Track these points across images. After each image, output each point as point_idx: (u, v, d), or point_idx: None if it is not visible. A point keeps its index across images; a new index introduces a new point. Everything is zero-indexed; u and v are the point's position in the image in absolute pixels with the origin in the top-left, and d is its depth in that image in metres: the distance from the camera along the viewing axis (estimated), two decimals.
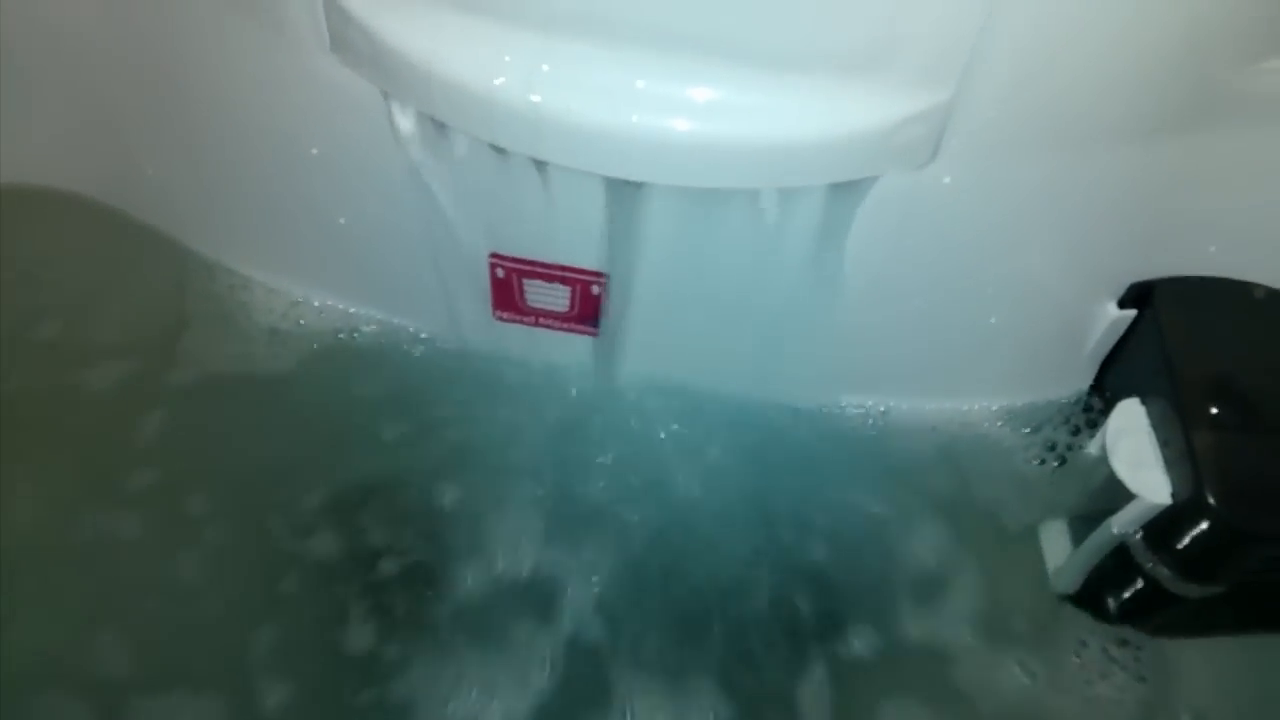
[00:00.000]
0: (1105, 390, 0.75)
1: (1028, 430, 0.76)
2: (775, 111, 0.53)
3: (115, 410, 0.77)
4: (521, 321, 0.72)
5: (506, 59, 0.54)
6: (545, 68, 0.53)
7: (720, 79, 0.53)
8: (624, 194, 0.59)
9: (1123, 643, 0.74)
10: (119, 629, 0.68)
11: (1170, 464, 0.68)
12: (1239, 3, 0.54)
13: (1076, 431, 0.77)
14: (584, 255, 0.65)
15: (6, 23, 0.72)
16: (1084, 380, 0.76)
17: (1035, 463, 0.76)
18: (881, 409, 0.76)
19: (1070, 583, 0.75)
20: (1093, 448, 0.72)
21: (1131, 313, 0.70)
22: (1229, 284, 0.70)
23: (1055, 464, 0.76)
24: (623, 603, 0.71)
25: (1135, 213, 0.64)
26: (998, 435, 0.76)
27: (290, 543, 0.73)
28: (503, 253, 0.67)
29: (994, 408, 0.76)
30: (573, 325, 0.71)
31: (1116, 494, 0.70)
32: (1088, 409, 0.77)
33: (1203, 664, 0.74)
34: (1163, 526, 0.69)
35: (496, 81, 0.54)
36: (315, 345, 0.79)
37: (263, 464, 0.76)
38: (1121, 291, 0.70)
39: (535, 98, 0.53)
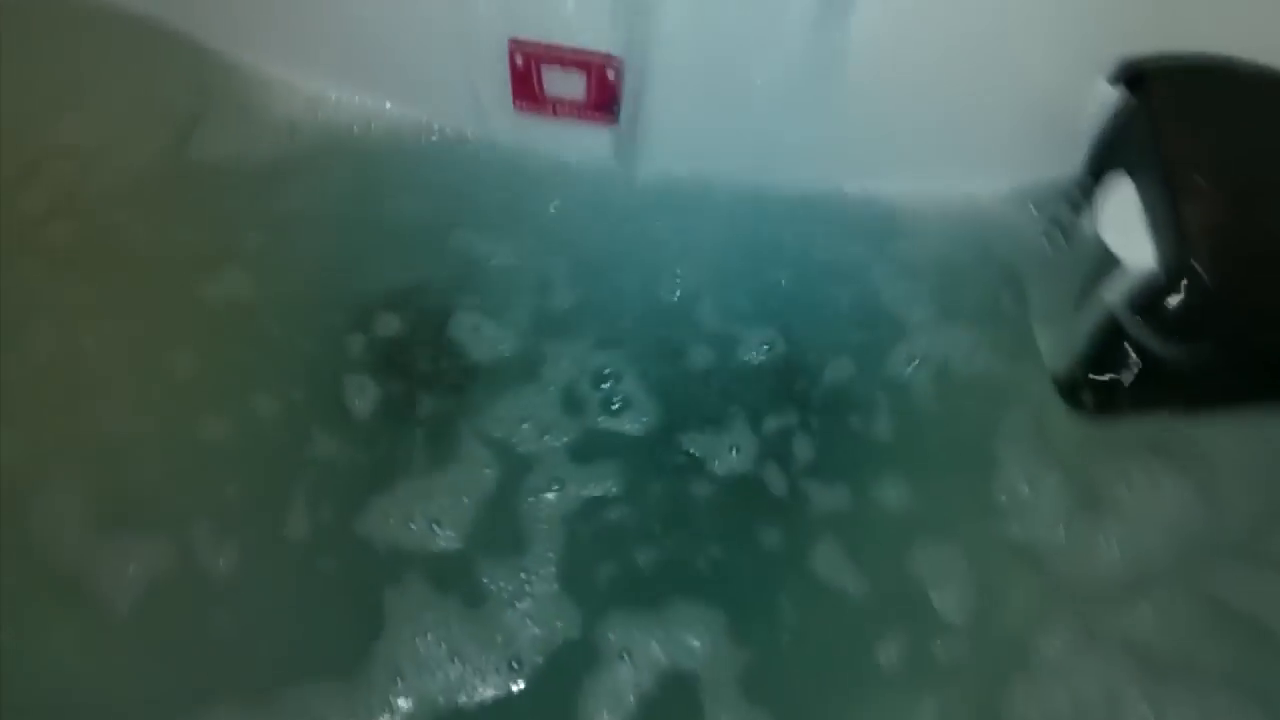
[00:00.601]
0: (1101, 167, 0.79)
1: (1034, 210, 0.80)
2: None
3: (133, 205, 0.81)
4: (541, 111, 0.75)
5: None
6: None
7: None
8: None
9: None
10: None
11: (1157, 232, 0.72)
12: None
13: (1078, 210, 0.80)
14: (599, 38, 0.69)
15: None
16: (1082, 156, 0.79)
17: (1043, 240, 0.79)
18: (889, 193, 0.80)
19: (1065, 361, 0.79)
20: (1087, 224, 0.76)
21: (1122, 89, 0.73)
22: (1217, 60, 0.72)
23: (1062, 240, 0.79)
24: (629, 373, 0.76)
25: None
26: (1005, 215, 0.79)
27: (307, 328, 0.77)
28: (521, 38, 0.70)
29: (1002, 189, 0.79)
30: (591, 114, 0.75)
31: (1110, 266, 0.74)
32: (1087, 188, 0.80)
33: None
34: (1150, 294, 0.73)
35: None
36: (333, 137, 0.82)
37: (286, 253, 0.80)
38: (1112, 68, 0.73)
39: None
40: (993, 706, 0.66)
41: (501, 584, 0.68)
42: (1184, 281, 0.70)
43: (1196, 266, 0.70)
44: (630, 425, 0.74)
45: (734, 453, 0.73)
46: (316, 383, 0.75)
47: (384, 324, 0.77)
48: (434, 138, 0.82)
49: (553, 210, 0.80)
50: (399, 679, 0.65)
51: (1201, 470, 0.77)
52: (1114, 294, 0.74)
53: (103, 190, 0.82)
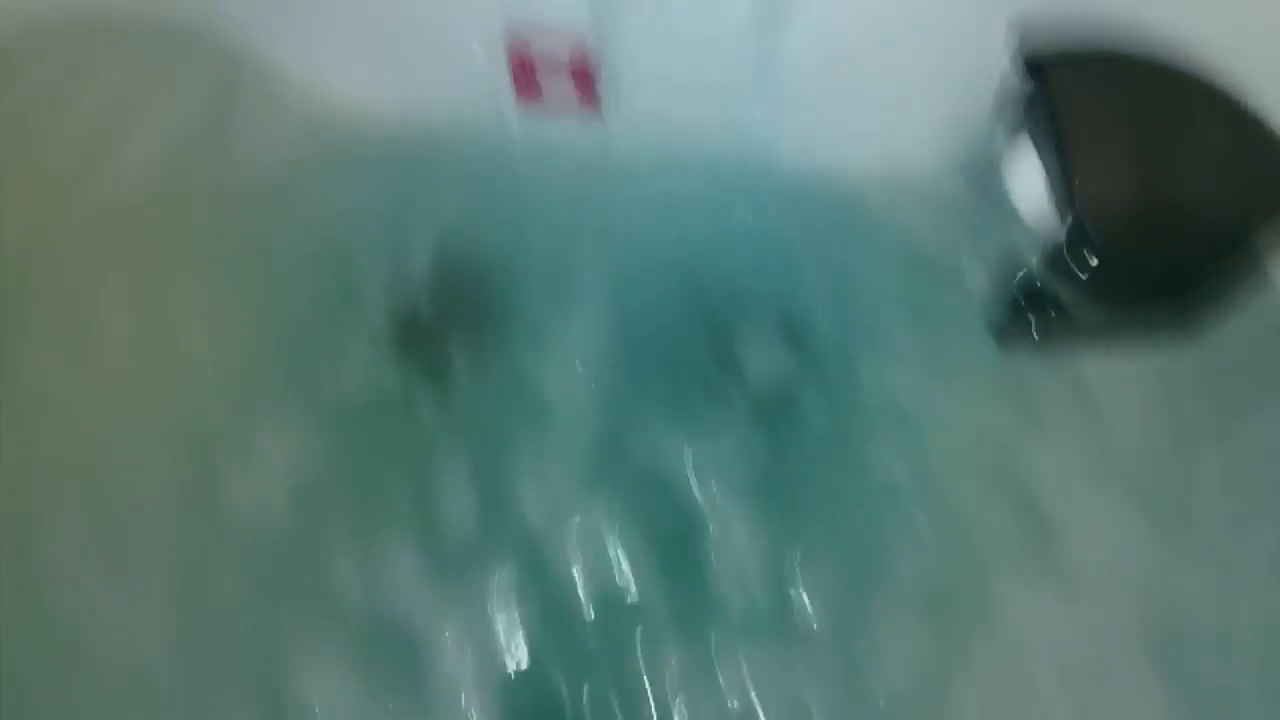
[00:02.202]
0: (1013, 144, 0.92)
1: (960, 179, 0.92)
2: None
3: (164, 201, 0.90)
4: (538, 103, 0.90)
5: None
6: None
7: None
8: None
9: None
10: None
11: (1055, 197, 0.85)
12: None
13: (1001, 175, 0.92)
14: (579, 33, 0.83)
15: None
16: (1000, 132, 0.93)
17: (970, 203, 0.92)
18: (828, 163, 0.92)
19: (994, 312, 0.93)
20: (1002, 188, 0.90)
21: (1025, 77, 0.87)
22: (1107, 54, 0.85)
23: (987, 204, 0.92)
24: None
25: None
26: (935, 181, 0.92)
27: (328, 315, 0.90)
28: (515, 34, 0.84)
29: (929, 156, 0.92)
30: (580, 105, 0.89)
31: (1022, 227, 0.88)
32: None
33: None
34: (1059, 254, 0.86)
35: None
36: (346, 132, 0.93)
37: (303, 242, 0.92)
38: (1018, 61, 0.86)
39: None
40: None
41: None
42: (1079, 238, 0.84)
43: (1087, 225, 0.83)
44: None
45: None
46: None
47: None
48: (450, 129, 0.96)
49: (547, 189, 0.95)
50: None
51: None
52: (1026, 250, 0.88)
53: (120, 197, 0.90)
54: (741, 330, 0.90)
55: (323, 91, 0.95)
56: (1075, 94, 0.86)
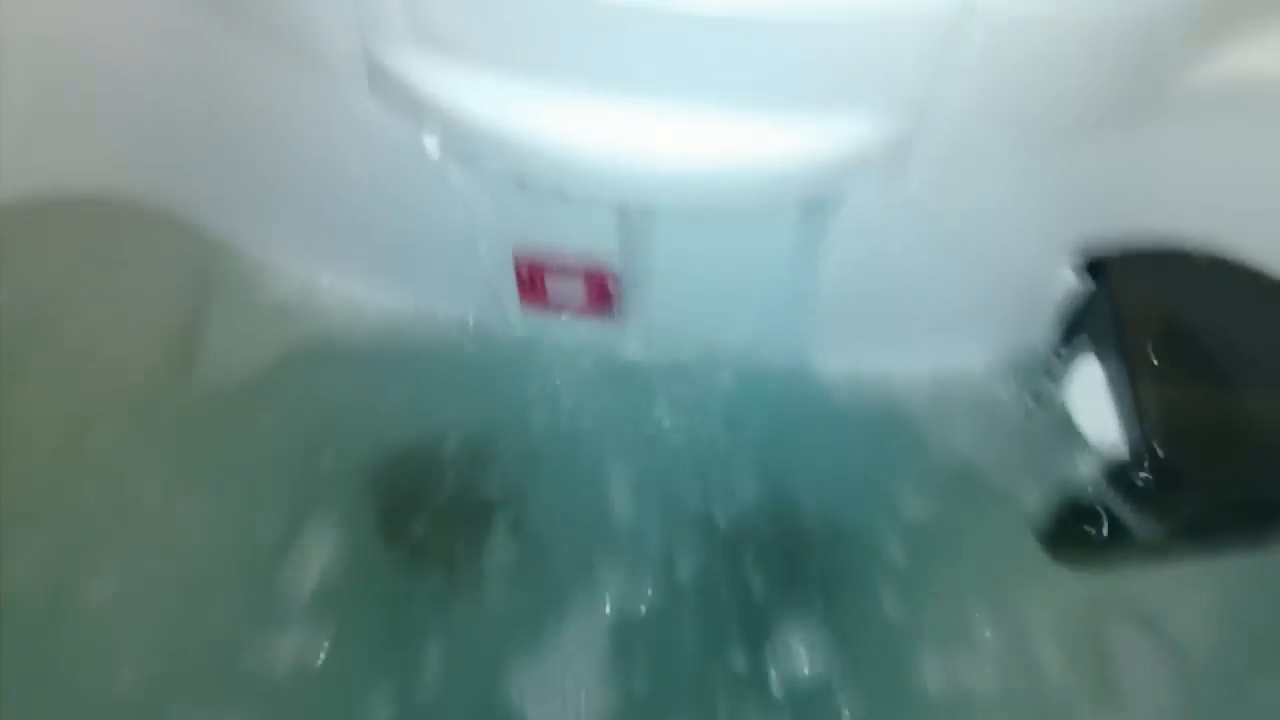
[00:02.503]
0: (1071, 349, 0.84)
1: (1015, 383, 0.85)
2: (754, 145, 0.61)
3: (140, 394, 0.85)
4: (543, 310, 0.81)
5: (521, 106, 0.62)
6: (558, 113, 0.61)
7: (708, 118, 0.61)
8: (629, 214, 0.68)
9: None
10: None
11: (1123, 418, 0.77)
12: (1181, 8, 0.60)
13: (1057, 381, 0.85)
14: (598, 253, 0.74)
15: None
16: (1056, 333, 0.85)
17: (1023, 411, 0.85)
18: (876, 369, 0.85)
19: (1042, 524, 0.85)
20: (1061, 396, 0.82)
21: (1088, 282, 0.79)
22: (1173, 253, 0.78)
23: (1042, 411, 0.84)
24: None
25: (1087, 194, 0.72)
26: (987, 388, 0.85)
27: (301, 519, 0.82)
28: (525, 253, 0.75)
29: (981, 362, 0.85)
30: (592, 312, 0.80)
31: (1080, 440, 0.80)
32: (1062, 359, 0.86)
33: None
34: (1121, 473, 0.79)
35: (512, 125, 0.62)
36: (329, 324, 0.87)
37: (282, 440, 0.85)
38: (1079, 264, 0.78)
39: (548, 139, 0.62)
40: None
41: None
42: (1145, 462, 0.76)
43: (1155, 447, 0.75)
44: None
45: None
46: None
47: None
48: (443, 328, 0.87)
49: (553, 388, 0.85)
50: None
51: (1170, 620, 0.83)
52: (1084, 465, 0.80)
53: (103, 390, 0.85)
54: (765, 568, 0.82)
55: (308, 285, 0.88)
56: (1140, 296, 0.78)
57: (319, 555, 0.81)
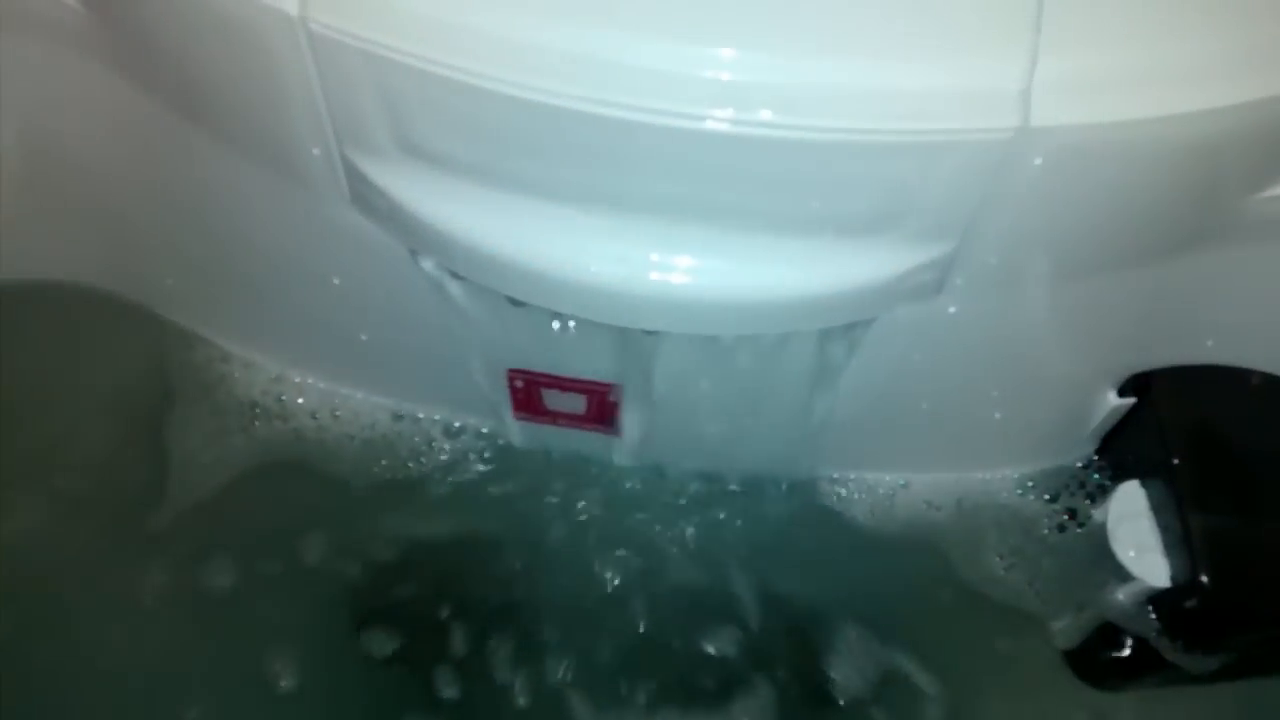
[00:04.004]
0: (1110, 467, 0.78)
1: (1048, 498, 0.79)
2: (781, 272, 0.55)
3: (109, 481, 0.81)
4: (539, 421, 0.74)
5: (519, 225, 0.55)
6: (559, 233, 0.55)
7: (727, 244, 0.54)
8: (635, 335, 0.61)
9: None
10: None
11: (1168, 546, 0.71)
12: (1250, 130, 0.54)
13: (1092, 498, 0.79)
14: (600, 372, 0.68)
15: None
16: (1092, 449, 0.79)
17: (1056, 529, 0.79)
18: (901, 482, 0.79)
19: (1070, 643, 0.79)
20: (1098, 516, 0.76)
21: (1131, 400, 0.73)
22: (1224, 371, 0.72)
23: (1076, 529, 0.78)
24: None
25: (1135, 319, 0.66)
26: (1018, 504, 0.79)
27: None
28: (521, 369, 0.69)
29: (1013, 476, 0.79)
30: (590, 426, 0.74)
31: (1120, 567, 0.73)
32: (1099, 474, 0.80)
33: None
34: (1164, 603, 0.72)
35: (508, 245, 0.55)
36: (308, 423, 0.82)
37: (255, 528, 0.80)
38: (1121, 381, 0.72)
39: (547, 260, 0.55)
40: None
41: None
42: (1194, 596, 0.69)
43: (1205, 580, 0.69)
44: None
45: None
46: None
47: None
48: (437, 433, 0.81)
49: (545, 496, 0.79)
50: None
51: None
52: (1121, 595, 0.74)
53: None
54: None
55: (279, 382, 0.82)
56: (1186, 415, 0.72)
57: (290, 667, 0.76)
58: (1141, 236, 0.58)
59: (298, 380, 0.82)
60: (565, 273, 0.56)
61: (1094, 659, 0.79)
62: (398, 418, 0.82)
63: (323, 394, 0.82)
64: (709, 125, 0.48)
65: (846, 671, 0.77)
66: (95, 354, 0.85)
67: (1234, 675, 0.78)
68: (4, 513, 0.78)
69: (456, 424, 0.81)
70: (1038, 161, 0.50)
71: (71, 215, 0.77)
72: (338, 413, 0.82)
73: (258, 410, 0.82)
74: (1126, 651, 0.77)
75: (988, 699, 0.78)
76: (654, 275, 0.55)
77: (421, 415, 0.82)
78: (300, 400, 0.82)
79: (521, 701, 0.76)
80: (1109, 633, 0.77)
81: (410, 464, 0.81)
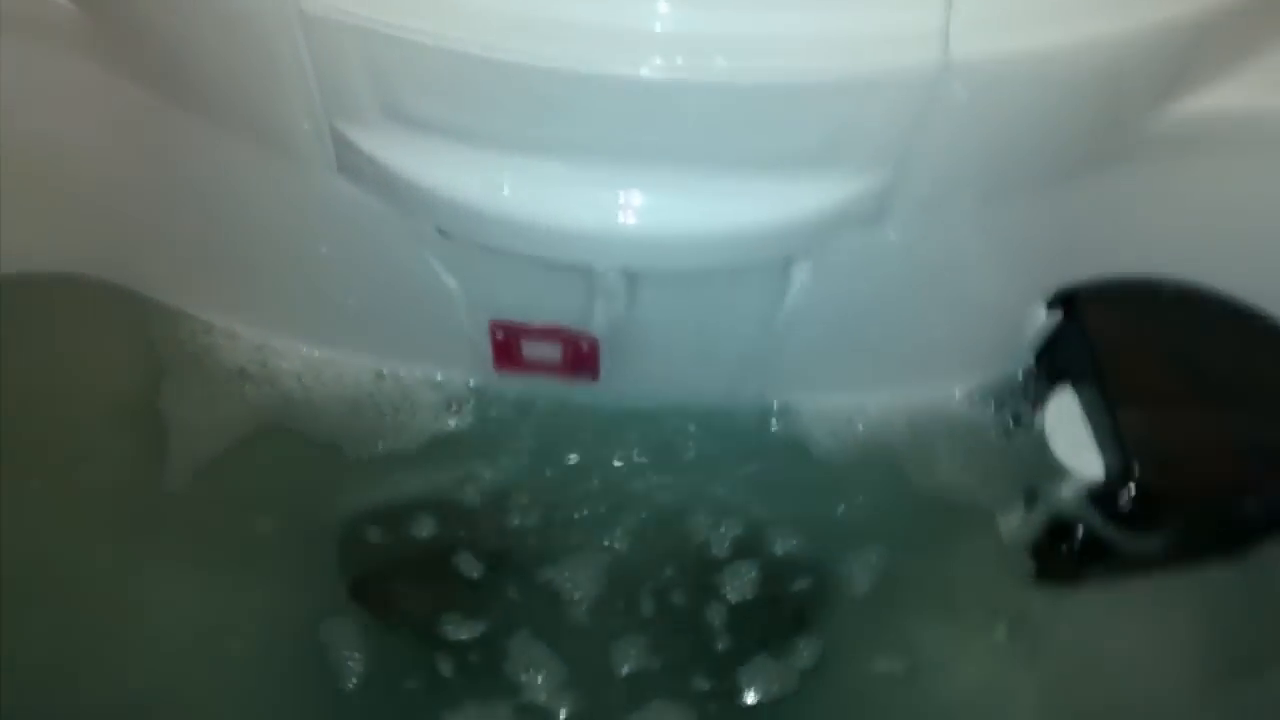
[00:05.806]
0: (1045, 375, 0.85)
1: (993, 408, 0.85)
2: (736, 207, 0.61)
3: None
4: (520, 372, 0.79)
5: (495, 178, 0.61)
6: (531, 183, 0.60)
7: (687, 184, 0.60)
8: (606, 277, 0.67)
9: None
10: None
11: (1101, 443, 0.78)
12: (1148, 51, 0.61)
13: (1034, 404, 0.85)
14: (574, 319, 0.73)
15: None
16: (1030, 359, 0.86)
17: (1003, 434, 0.85)
18: (856, 403, 0.85)
19: (1023, 538, 0.85)
20: (1039, 421, 0.83)
21: (1059, 312, 0.79)
22: (1141, 282, 0.79)
23: (1021, 434, 0.85)
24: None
25: (1058, 236, 0.73)
26: (965, 414, 0.85)
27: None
28: (502, 319, 0.74)
29: (959, 390, 0.85)
30: (566, 372, 0.79)
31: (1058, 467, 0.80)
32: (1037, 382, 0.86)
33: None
34: (1102, 494, 0.79)
35: (487, 198, 0.61)
36: (294, 386, 0.85)
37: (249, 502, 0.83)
38: (1050, 296, 0.79)
39: (525, 208, 0.61)
40: None
41: None
42: (1128, 483, 0.77)
43: (1137, 469, 0.76)
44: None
45: None
46: None
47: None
48: (424, 389, 0.85)
49: (527, 443, 0.85)
50: None
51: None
52: (1064, 490, 0.81)
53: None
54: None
55: (264, 350, 0.85)
56: (1111, 326, 0.80)
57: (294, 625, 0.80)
58: (1058, 157, 0.65)
59: (280, 346, 0.85)
60: (538, 218, 0.61)
61: (1048, 554, 0.86)
62: (380, 376, 0.85)
63: (305, 358, 0.85)
64: (667, 75, 0.54)
65: (814, 582, 0.82)
66: (80, 339, 0.87)
67: (1177, 558, 0.85)
68: (15, 494, 0.81)
69: (439, 377, 0.85)
70: (959, 91, 0.56)
71: (55, 203, 0.79)
72: (322, 374, 0.85)
73: (247, 376, 0.85)
74: (1076, 544, 0.84)
75: (953, 593, 0.84)
76: (621, 217, 0.61)
77: (403, 373, 0.85)
78: (284, 364, 0.85)
79: (516, 648, 0.79)
80: (1058, 528, 0.84)
81: (395, 420, 0.85)
